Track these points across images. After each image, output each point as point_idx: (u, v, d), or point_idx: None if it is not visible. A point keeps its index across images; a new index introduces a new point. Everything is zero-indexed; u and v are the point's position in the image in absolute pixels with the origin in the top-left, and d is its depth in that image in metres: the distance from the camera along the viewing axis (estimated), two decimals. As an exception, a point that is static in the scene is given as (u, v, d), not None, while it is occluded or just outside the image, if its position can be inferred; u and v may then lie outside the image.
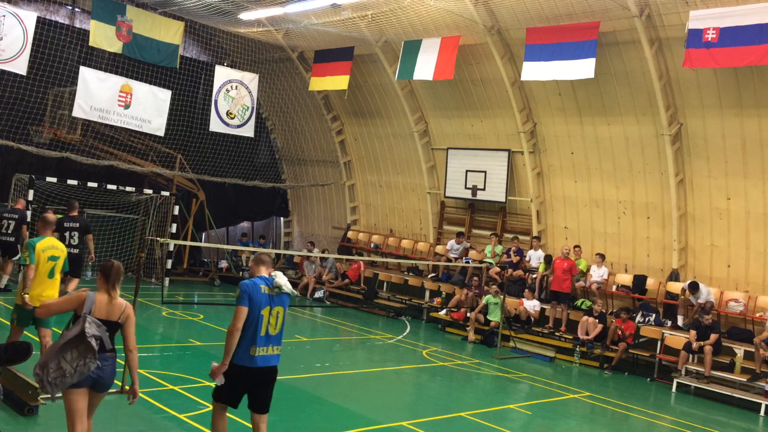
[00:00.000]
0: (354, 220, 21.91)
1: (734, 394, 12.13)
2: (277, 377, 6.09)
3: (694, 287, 13.55)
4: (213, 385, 5.97)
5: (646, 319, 14.41)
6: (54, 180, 16.47)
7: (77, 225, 13.86)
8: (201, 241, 21.93)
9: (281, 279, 6.00)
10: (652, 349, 14.06)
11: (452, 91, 17.95)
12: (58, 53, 16.72)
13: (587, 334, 14.35)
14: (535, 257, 16.70)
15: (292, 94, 21.76)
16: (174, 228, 18.64)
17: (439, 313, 17.11)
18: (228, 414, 6.05)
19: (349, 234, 21.39)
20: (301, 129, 22.63)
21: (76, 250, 13.96)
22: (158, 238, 16.78)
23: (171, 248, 18.44)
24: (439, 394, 11.00)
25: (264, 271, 6.11)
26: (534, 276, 16.20)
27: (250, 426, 6.09)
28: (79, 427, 5.33)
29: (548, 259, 16.20)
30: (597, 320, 14.38)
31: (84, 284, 13.91)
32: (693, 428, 10.37)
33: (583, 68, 14.16)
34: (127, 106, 17.04)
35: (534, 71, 14.90)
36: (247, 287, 5.88)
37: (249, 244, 22.26)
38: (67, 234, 13.92)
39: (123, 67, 17.68)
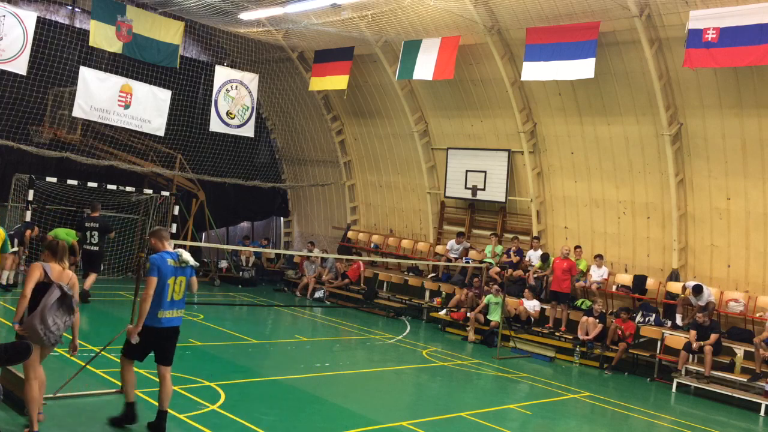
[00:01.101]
0: (354, 220, 21.91)
1: (734, 394, 12.12)
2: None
3: (697, 290, 13.51)
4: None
5: (646, 319, 14.41)
6: (54, 180, 16.47)
7: (97, 225, 14.64)
8: (201, 241, 21.92)
9: (186, 255, 7.15)
10: (652, 349, 14.06)
11: (452, 91, 17.94)
12: (58, 53, 16.70)
13: (587, 334, 14.36)
14: (535, 257, 16.70)
15: (292, 94, 21.76)
16: (174, 228, 18.61)
17: (439, 313, 17.11)
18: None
19: (349, 234, 21.38)
20: (301, 129, 22.62)
21: (95, 248, 14.61)
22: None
23: (171, 248, 18.42)
24: (439, 394, 10.99)
25: (168, 246, 7.19)
26: (534, 276, 16.20)
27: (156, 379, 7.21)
28: (35, 374, 6.45)
29: (545, 258, 16.20)
30: (597, 320, 14.39)
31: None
32: (693, 428, 10.37)
33: (583, 68, 14.15)
34: (127, 106, 17.04)
35: (534, 71, 14.90)
36: (157, 261, 6.98)
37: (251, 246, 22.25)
38: (87, 233, 14.55)
39: (123, 67, 17.67)
